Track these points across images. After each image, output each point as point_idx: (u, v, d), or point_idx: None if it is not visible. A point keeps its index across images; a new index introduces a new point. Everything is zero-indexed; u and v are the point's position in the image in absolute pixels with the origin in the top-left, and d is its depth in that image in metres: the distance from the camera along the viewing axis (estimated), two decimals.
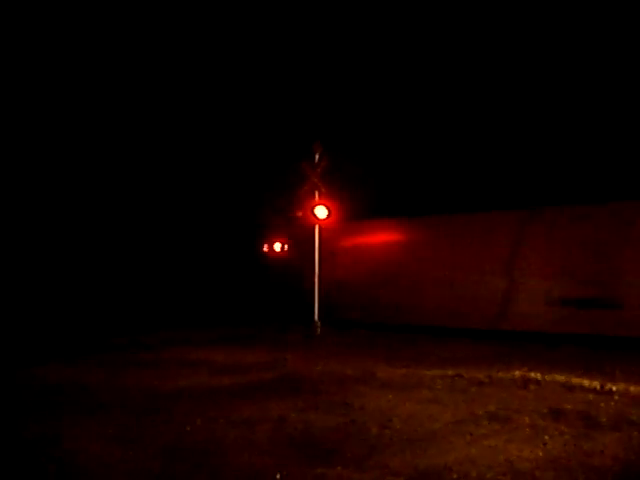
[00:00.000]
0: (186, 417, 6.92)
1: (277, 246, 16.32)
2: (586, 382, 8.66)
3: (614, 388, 8.27)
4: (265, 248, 16.41)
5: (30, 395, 8.35)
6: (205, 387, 8.61)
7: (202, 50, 20.40)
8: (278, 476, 5.13)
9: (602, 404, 7.52)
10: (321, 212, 15.28)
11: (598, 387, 8.37)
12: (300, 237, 16.84)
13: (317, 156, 15.70)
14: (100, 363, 10.76)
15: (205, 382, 8.97)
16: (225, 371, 9.88)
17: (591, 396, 7.94)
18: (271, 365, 10.51)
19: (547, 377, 8.98)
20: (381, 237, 17.13)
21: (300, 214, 15.57)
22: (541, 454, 5.64)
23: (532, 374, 9.20)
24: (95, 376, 9.54)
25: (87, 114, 20.15)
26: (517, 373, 9.32)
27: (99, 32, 19.72)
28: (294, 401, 7.76)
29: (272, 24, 19.79)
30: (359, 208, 16.59)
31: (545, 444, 5.94)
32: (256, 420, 6.83)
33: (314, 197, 15.54)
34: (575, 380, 8.80)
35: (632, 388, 8.24)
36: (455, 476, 5.12)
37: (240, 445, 5.93)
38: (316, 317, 15.34)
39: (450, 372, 9.56)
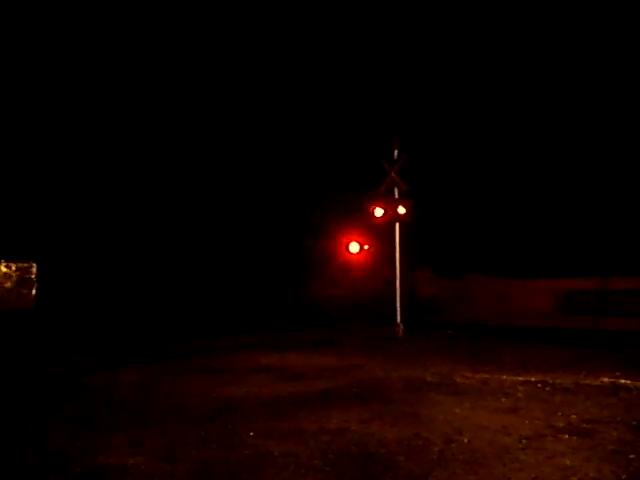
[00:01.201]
0: (238, 429, 6.58)
1: (355, 246, 15.84)
2: None
3: None
4: (344, 248, 15.99)
5: (81, 402, 8.24)
6: (268, 395, 8.26)
7: (283, 48, 20.18)
8: None
9: None
10: (402, 209, 14.79)
11: None
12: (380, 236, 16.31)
13: (396, 152, 15.23)
14: (165, 370, 10.56)
15: (269, 390, 8.61)
16: (293, 377, 9.52)
17: None
18: (345, 371, 10.09)
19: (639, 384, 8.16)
20: None
21: (379, 212, 15.02)
22: (623, 476, 4.96)
23: (623, 380, 8.39)
24: (157, 384, 9.37)
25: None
26: (606, 379, 8.52)
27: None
28: (359, 411, 7.31)
29: (348, 26, 19.42)
30: None
31: (630, 463, 5.25)
32: (312, 432, 6.42)
33: (393, 194, 15.05)
34: None
35: None
36: None
37: (287, 461, 5.53)
38: (398, 319, 14.78)
39: (533, 378, 8.87)
